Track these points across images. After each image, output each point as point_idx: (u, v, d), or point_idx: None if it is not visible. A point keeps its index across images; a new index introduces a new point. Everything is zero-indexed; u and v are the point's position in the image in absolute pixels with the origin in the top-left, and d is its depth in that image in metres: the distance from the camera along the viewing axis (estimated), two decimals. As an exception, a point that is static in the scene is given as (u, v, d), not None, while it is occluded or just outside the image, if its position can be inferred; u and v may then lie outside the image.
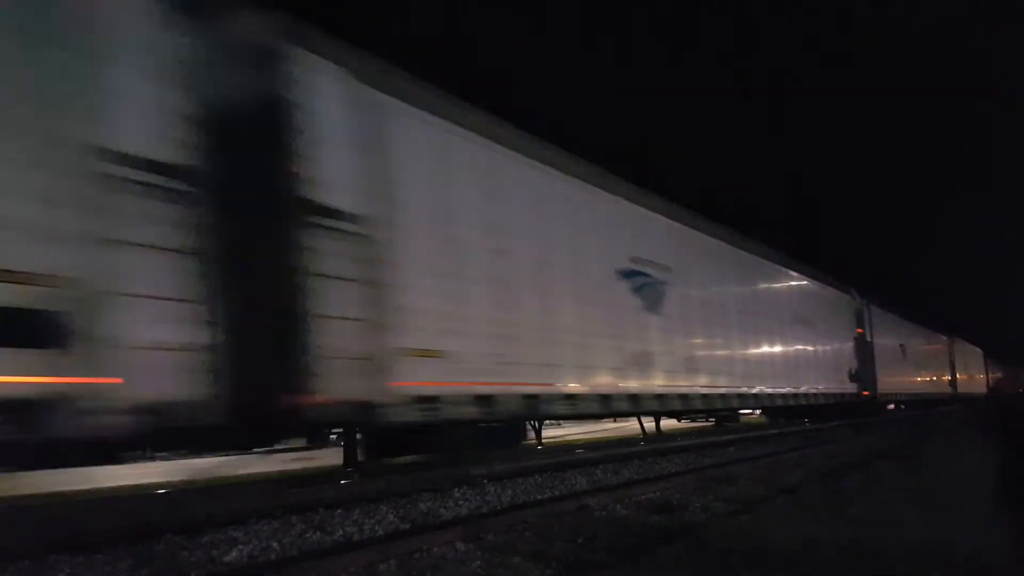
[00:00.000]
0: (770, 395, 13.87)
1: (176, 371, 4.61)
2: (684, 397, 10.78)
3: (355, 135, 6.23)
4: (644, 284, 10.23)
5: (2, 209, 3.96)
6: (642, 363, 9.85)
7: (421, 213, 6.77)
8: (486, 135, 7.83)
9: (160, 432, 4.55)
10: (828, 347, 17.89)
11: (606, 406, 9.09)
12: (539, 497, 6.36)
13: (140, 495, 7.24)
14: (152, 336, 4.52)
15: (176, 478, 8.30)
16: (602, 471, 8.15)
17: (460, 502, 6.06)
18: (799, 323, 15.99)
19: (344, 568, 3.81)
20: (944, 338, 35.14)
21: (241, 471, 8.96)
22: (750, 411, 17.62)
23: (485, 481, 7.11)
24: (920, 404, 28.28)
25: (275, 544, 4.46)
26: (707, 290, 12.13)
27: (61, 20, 4.40)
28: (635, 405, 9.71)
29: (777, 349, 14.87)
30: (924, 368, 29.71)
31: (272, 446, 7.09)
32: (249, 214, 5.31)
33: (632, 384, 9.57)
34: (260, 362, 5.22)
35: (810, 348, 16.62)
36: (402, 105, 6.73)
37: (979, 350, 48.24)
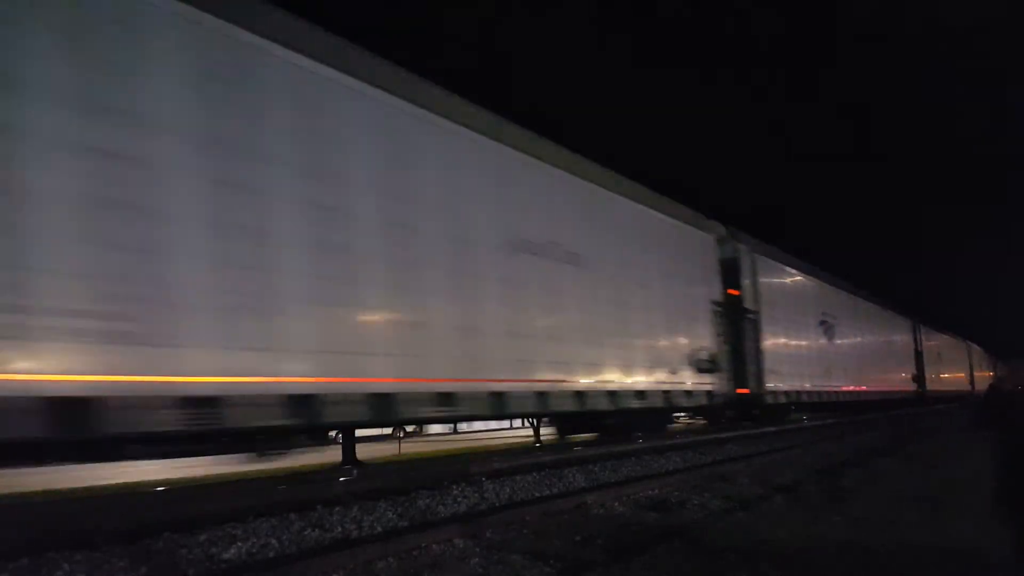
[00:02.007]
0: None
1: None
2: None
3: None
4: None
5: None
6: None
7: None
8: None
9: None
10: (659, 319, 11.05)
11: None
12: (537, 495, 6.37)
13: (138, 493, 7.24)
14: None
15: (174, 476, 8.30)
16: (600, 468, 8.16)
17: (459, 499, 6.06)
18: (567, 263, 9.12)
19: (343, 565, 3.81)
20: (907, 322, 28.29)
21: (239, 469, 8.96)
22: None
23: (483, 479, 7.12)
24: (854, 407, 20.54)
25: (274, 541, 4.46)
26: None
27: None
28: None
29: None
30: (865, 356, 21.86)
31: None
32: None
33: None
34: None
35: (610, 314, 9.86)
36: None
37: (963, 342, 41.47)
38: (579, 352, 9.13)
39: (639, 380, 10.22)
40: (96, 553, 4.10)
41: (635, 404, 10.05)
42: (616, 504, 5.86)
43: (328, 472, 7.92)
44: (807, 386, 16.30)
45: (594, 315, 9.54)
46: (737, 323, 13.35)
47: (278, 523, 4.97)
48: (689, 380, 11.45)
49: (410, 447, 13.12)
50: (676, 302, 11.57)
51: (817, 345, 17.68)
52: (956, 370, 38.39)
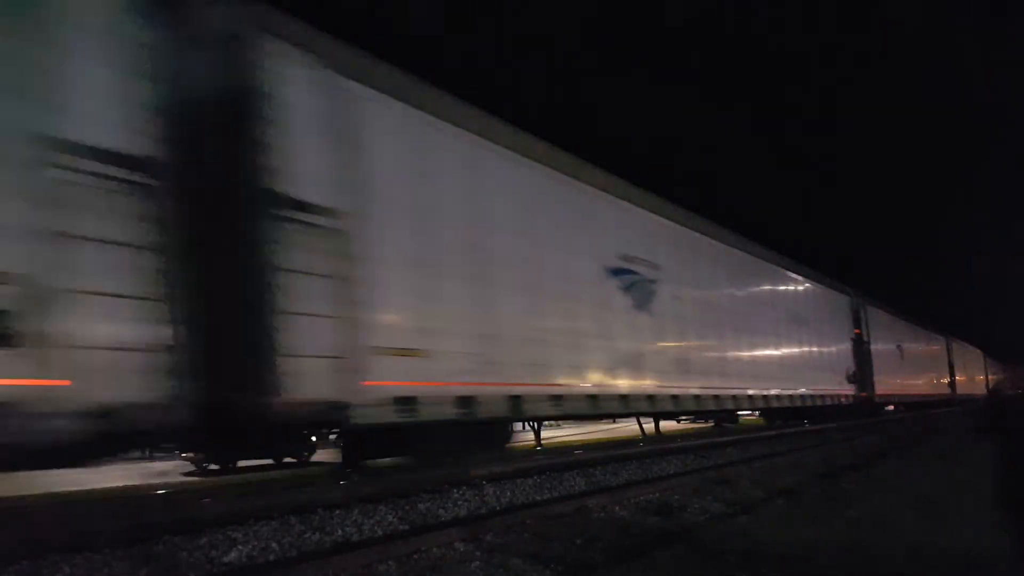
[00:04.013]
0: (766, 396, 13.91)
1: (132, 372, 4.38)
2: (676, 398, 10.73)
3: (327, 125, 5.88)
4: (633, 283, 10.09)
5: None
6: (633, 363, 9.79)
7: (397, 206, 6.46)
8: (468, 127, 7.53)
9: (115, 435, 4.35)
10: (825, 348, 18.07)
11: (594, 406, 8.97)
12: (538, 498, 6.36)
13: (139, 495, 7.23)
14: (106, 335, 4.30)
15: (175, 479, 8.29)
16: (601, 472, 8.14)
17: (459, 503, 6.05)
18: (796, 323, 16.12)
19: (343, 569, 3.82)
20: (941, 339, 34.52)
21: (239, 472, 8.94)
22: (748, 412, 17.78)
23: (484, 482, 7.10)
24: (917, 406, 28.05)
25: (274, 545, 4.46)
26: (701, 290, 12.18)
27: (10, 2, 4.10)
28: (625, 406, 9.67)
29: (774, 351, 15.01)
30: (921, 369, 29.27)
31: (242, 453, 6.94)
32: (214, 207, 5.03)
33: (622, 384, 9.51)
34: (225, 361, 4.96)
35: (807, 349, 16.74)
36: (377, 94, 6.45)
37: (979, 351, 47.27)
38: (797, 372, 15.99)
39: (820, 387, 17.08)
40: (97, 555, 4.10)
41: (819, 403, 16.91)
42: (617, 508, 5.85)
43: (329, 475, 7.91)
44: (896, 391, 24.35)
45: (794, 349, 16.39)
46: (860, 351, 20.39)
47: (279, 526, 4.97)
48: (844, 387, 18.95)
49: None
50: (834, 338, 19.01)
51: (897, 362, 25.23)
52: (976, 374, 42.87)
